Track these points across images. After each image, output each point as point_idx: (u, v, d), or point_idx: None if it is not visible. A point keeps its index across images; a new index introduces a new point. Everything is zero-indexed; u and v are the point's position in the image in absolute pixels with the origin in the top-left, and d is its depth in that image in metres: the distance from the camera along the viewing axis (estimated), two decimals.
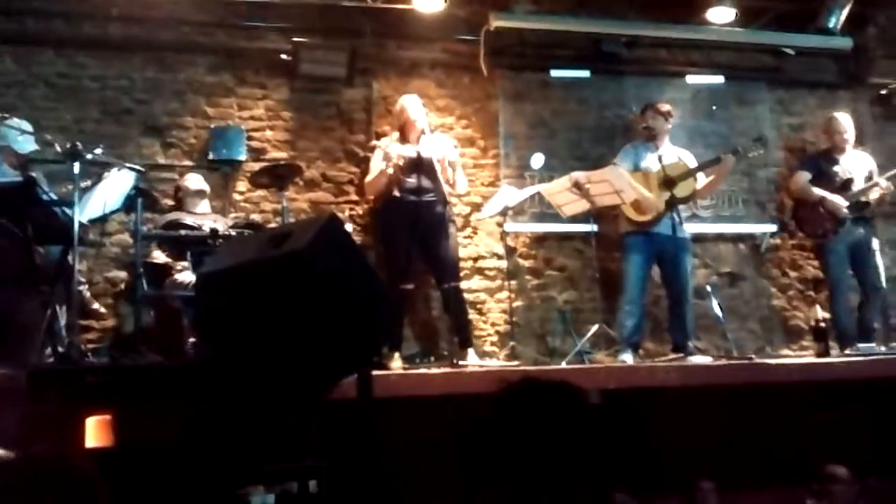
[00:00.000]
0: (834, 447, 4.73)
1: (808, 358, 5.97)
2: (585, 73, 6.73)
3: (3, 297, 4.27)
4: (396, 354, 5.44)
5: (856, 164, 6.19)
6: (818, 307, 6.06)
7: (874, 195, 6.09)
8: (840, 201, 6.01)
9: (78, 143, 4.35)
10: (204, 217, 5.30)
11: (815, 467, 4.55)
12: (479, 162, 6.44)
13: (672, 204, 5.49)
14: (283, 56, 6.17)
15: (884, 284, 6.15)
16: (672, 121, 5.98)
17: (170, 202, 5.67)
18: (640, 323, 5.73)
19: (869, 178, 6.14)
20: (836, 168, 6.15)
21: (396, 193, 5.55)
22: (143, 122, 6.00)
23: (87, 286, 5.16)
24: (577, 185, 5.53)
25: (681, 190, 5.62)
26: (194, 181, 5.56)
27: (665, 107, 5.94)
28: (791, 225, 6.65)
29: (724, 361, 5.54)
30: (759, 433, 4.95)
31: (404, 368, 5.33)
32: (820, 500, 4.02)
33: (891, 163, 6.25)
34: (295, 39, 6.14)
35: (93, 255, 5.19)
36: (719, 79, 6.96)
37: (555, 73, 6.67)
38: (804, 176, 6.24)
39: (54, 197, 4.41)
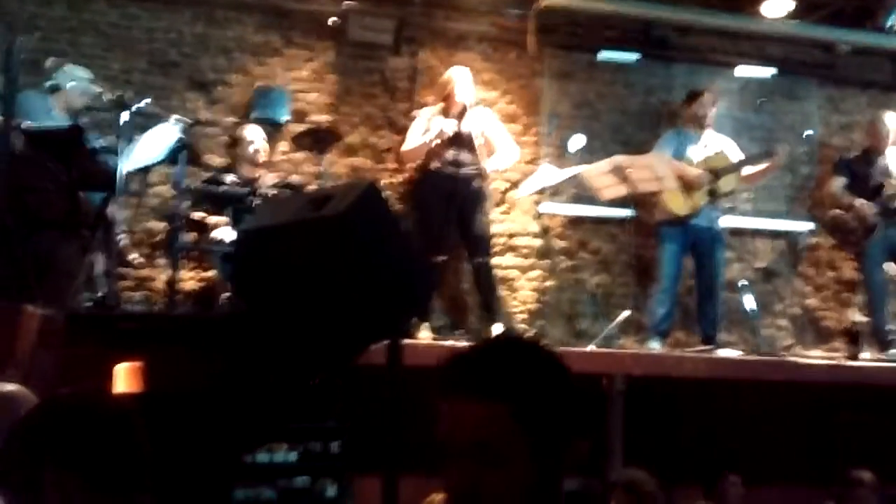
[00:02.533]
0: (859, 451, 4.69)
1: (839, 360, 5.91)
2: (633, 57, 6.66)
3: (45, 240, 4.34)
4: (425, 325, 5.47)
5: (893, 160, 6.05)
6: (854, 309, 5.99)
7: None
8: (869, 208, 5.88)
9: (126, 93, 4.39)
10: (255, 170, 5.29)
11: (839, 469, 4.53)
12: (519, 139, 6.40)
13: (713, 198, 5.44)
14: (332, 20, 6.16)
15: None
16: (717, 109, 5.91)
17: (212, 158, 5.71)
18: (670, 312, 5.70)
19: None
20: (870, 170, 6.03)
21: (435, 166, 5.56)
22: (189, 77, 6.03)
23: (125, 235, 5.23)
24: (618, 169, 5.49)
25: (724, 184, 5.56)
26: (252, 132, 5.55)
27: (714, 94, 5.87)
28: (827, 226, 6.56)
29: (753, 357, 5.51)
30: (784, 431, 4.93)
31: (432, 339, 5.36)
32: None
33: None
34: (345, 4, 6.13)
35: (133, 205, 5.24)
36: (769, 72, 6.85)
37: (602, 54, 6.61)
38: (838, 182, 6.12)
39: (100, 144, 4.47)
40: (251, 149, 5.43)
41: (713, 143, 5.68)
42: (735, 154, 5.81)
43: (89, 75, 5.04)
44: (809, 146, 5.84)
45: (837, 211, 6.10)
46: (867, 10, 6.59)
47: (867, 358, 5.64)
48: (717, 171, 5.49)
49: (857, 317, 5.80)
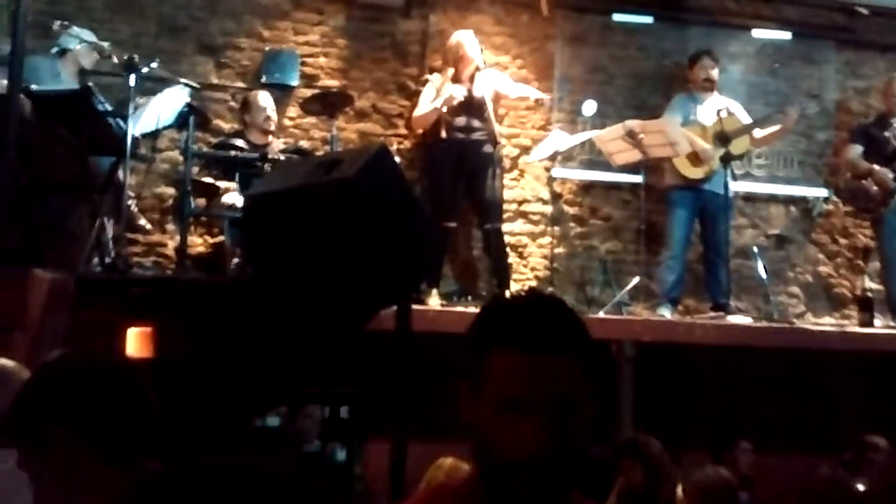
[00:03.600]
0: (870, 417, 4.68)
1: (851, 327, 5.87)
2: (648, 20, 6.56)
3: (55, 204, 4.34)
4: (435, 291, 5.46)
5: None
6: (866, 277, 5.94)
7: None
8: (888, 173, 5.81)
9: (135, 56, 4.36)
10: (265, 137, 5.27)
11: (849, 436, 4.52)
12: (531, 104, 6.34)
13: (727, 161, 5.38)
14: None
15: None
16: (721, 71, 5.84)
17: (221, 123, 5.69)
18: (680, 278, 5.67)
19: None
20: (886, 134, 5.94)
21: (445, 132, 5.51)
22: (198, 41, 5.98)
23: (135, 200, 5.22)
24: (631, 134, 5.43)
25: (736, 147, 5.50)
26: (264, 99, 5.50)
27: (714, 55, 5.80)
28: (844, 193, 6.49)
29: (764, 324, 5.48)
30: (795, 398, 4.91)
31: (442, 305, 5.35)
32: (853, 470, 3.97)
33: None
34: None
35: (142, 169, 5.22)
36: (786, 35, 6.73)
37: (617, 16, 6.51)
38: (855, 150, 6.03)
39: (109, 108, 4.44)
40: (262, 115, 5.39)
41: (722, 106, 5.60)
42: (744, 116, 5.74)
43: (93, 38, 5.00)
44: (808, 114, 5.76)
45: (855, 179, 6.02)
46: None
47: (879, 325, 5.60)
48: (727, 134, 5.42)
49: (869, 284, 5.75)
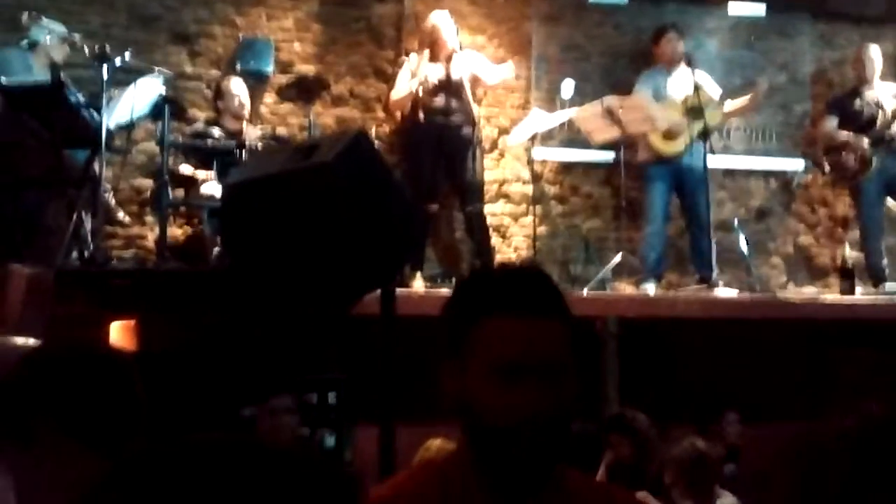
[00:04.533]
0: (854, 386, 4.72)
1: (833, 296, 5.92)
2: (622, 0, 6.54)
3: (29, 198, 4.29)
4: (418, 274, 5.45)
5: (884, 95, 5.99)
6: (846, 246, 5.98)
7: None
8: (863, 142, 5.83)
9: (106, 47, 4.30)
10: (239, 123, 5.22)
11: (835, 402, 4.55)
12: (509, 84, 6.32)
13: (705, 134, 5.40)
14: None
15: None
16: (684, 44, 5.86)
17: (197, 112, 5.63)
18: (662, 253, 5.70)
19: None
20: (860, 105, 5.96)
21: (423, 114, 5.49)
22: (171, 30, 5.92)
23: (112, 193, 5.17)
24: (610, 111, 5.43)
25: (711, 118, 5.51)
26: (237, 86, 5.44)
27: (678, 29, 5.82)
28: (822, 163, 6.54)
29: (747, 296, 5.51)
30: (780, 368, 4.95)
31: (426, 288, 5.34)
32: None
33: None
34: None
35: (119, 162, 5.16)
36: (761, 8, 6.73)
37: None
38: (831, 122, 6.06)
39: (83, 100, 4.39)
40: (235, 101, 5.34)
41: (690, 79, 5.60)
42: (714, 88, 5.76)
43: (63, 30, 4.93)
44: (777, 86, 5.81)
45: (832, 150, 6.05)
46: None
47: (860, 293, 5.65)
48: (699, 107, 5.43)
49: (849, 253, 5.79)
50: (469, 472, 1.21)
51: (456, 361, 1.20)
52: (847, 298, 5.55)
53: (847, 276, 5.69)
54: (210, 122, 5.43)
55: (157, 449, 0.73)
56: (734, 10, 6.67)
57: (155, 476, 0.70)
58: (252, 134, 5.28)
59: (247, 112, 5.40)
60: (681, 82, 5.63)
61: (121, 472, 0.72)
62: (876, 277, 5.84)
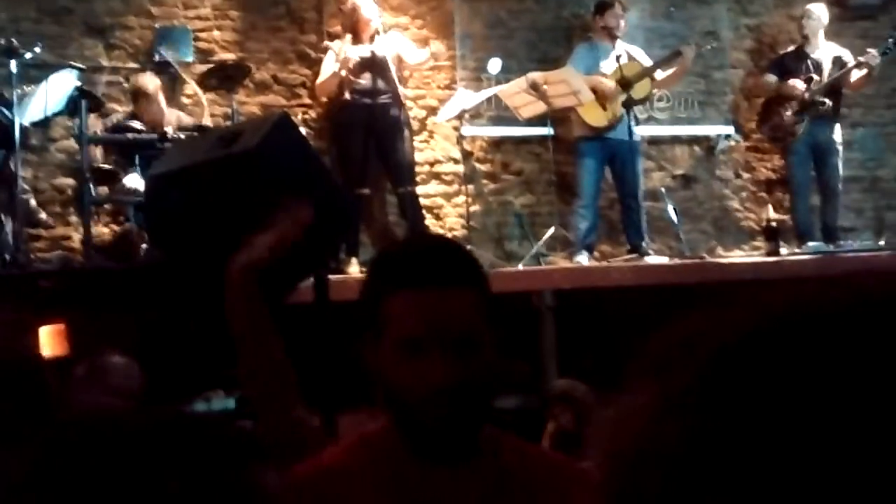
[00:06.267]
0: None
1: (759, 257, 6.08)
2: None
3: None
4: (354, 259, 5.42)
5: (826, 56, 6.12)
6: (769, 207, 6.14)
7: (854, 75, 6.00)
8: (798, 84, 5.98)
9: (14, 41, 4.15)
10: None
11: None
12: (435, 64, 6.30)
13: (628, 106, 5.46)
14: None
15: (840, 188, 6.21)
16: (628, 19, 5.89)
17: (116, 106, 5.48)
18: (594, 225, 5.76)
19: (841, 66, 6.05)
20: (801, 66, 6.10)
21: (350, 96, 5.44)
22: (84, 23, 5.74)
23: (32, 194, 5.01)
24: (534, 87, 5.46)
25: (637, 91, 5.58)
26: (149, 80, 5.30)
27: (623, 3, 5.84)
28: (745, 126, 6.69)
29: (678, 261, 5.63)
30: None
31: (361, 273, 5.32)
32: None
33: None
34: None
35: (36, 161, 5.02)
36: None
37: None
38: (770, 79, 6.21)
39: None
40: (151, 98, 5.21)
41: (624, 53, 5.67)
42: (645, 60, 5.82)
43: None
44: (716, 42, 5.93)
45: (767, 109, 6.17)
46: None
47: (785, 253, 5.81)
48: (629, 79, 5.49)
49: (773, 215, 5.96)
50: (397, 442, 1.22)
51: (371, 336, 1.21)
52: (773, 259, 5.70)
53: (772, 238, 5.85)
54: (130, 116, 5.28)
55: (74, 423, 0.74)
56: None
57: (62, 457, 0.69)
58: (174, 124, 5.16)
59: (163, 102, 5.27)
60: (616, 56, 5.65)
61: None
62: (801, 236, 6.02)
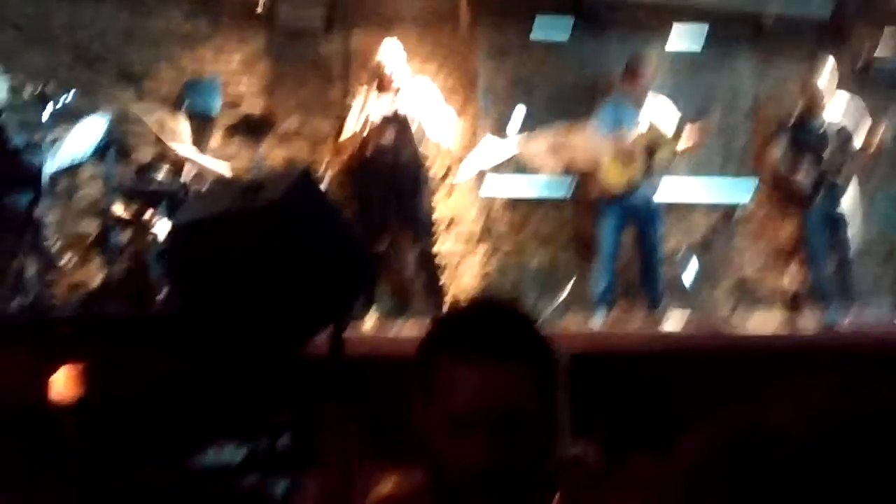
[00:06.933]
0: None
1: (774, 329, 6.00)
2: (565, 37, 6.61)
3: None
4: (371, 311, 5.42)
5: (834, 117, 5.95)
6: (789, 274, 6.09)
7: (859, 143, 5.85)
8: (805, 179, 5.91)
9: (47, 88, 4.24)
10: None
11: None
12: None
13: (651, 172, 5.50)
14: (261, 4, 6.04)
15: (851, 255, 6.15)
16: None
17: (143, 153, 5.57)
18: (612, 284, 5.75)
19: (845, 139, 5.91)
20: (807, 136, 6.03)
21: (372, 152, 5.50)
22: (117, 70, 5.86)
23: (56, 238, 5.06)
24: (556, 148, 5.50)
25: (661, 157, 5.61)
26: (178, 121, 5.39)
27: (653, 59, 5.87)
28: (762, 193, 6.68)
29: (693, 329, 5.58)
30: (729, 399, 5.00)
31: (379, 325, 5.32)
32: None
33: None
34: None
35: (62, 206, 5.08)
36: (700, 38, 6.81)
37: (535, 35, 6.54)
38: (776, 152, 6.16)
39: (23, 144, 4.31)
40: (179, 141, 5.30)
41: (651, 113, 5.68)
42: (673, 117, 5.82)
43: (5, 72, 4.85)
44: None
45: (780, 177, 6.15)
46: None
47: (807, 320, 5.75)
48: (652, 147, 5.53)
49: (792, 281, 5.91)
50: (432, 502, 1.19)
51: (421, 398, 1.18)
52: (793, 327, 5.65)
53: (792, 306, 5.80)
54: (156, 163, 5.36)
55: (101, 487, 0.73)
56: (672, 46, 6.75)
57: None
58: (198, 168, 5.23)
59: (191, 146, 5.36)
60: (642, 117, 5.67)
61: None
62: (822, 299, 5.94)
